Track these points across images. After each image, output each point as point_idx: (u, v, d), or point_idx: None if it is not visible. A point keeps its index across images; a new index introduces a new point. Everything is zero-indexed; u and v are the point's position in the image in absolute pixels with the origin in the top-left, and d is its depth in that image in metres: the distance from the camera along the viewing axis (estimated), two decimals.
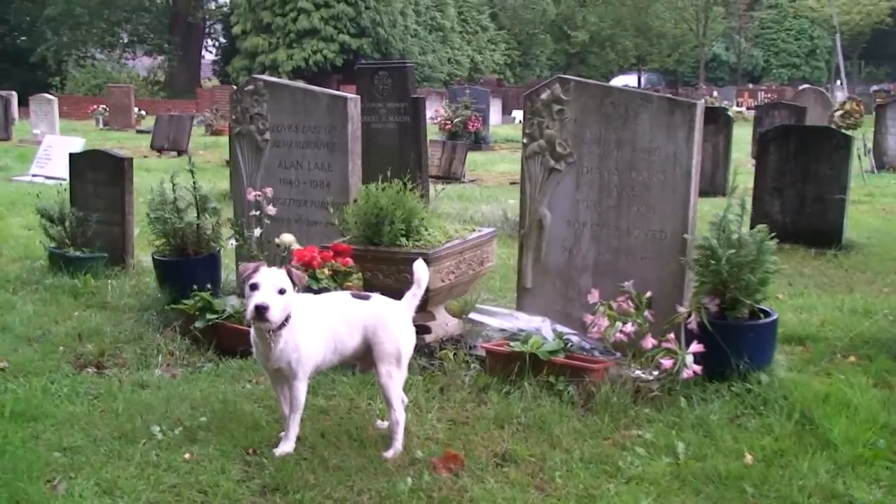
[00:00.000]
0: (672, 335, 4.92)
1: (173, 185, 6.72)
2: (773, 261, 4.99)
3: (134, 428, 4.51)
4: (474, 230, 6.14)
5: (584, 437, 4.45)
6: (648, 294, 5.08)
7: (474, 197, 13.36)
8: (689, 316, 5.02)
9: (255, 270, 4.04)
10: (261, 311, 3.92)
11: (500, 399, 4.90)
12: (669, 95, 5.50)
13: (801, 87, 32.55)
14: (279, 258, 6.04)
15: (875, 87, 45.73)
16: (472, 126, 21.45)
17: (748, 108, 33.48)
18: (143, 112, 30.32)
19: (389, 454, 4.20)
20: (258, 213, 6.28)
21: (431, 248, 5.65)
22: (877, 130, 17.16)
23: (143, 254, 8.14)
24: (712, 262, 4.93)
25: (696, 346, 4.81)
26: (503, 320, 5.71)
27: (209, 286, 6.48)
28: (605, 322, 5.00)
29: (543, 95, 5.70)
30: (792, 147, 9.51)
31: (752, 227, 5.15)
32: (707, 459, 4.15)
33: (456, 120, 21.28)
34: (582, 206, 5.67)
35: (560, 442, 4.36)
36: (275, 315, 3.96)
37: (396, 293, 5.49)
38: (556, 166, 5.71)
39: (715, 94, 40.75)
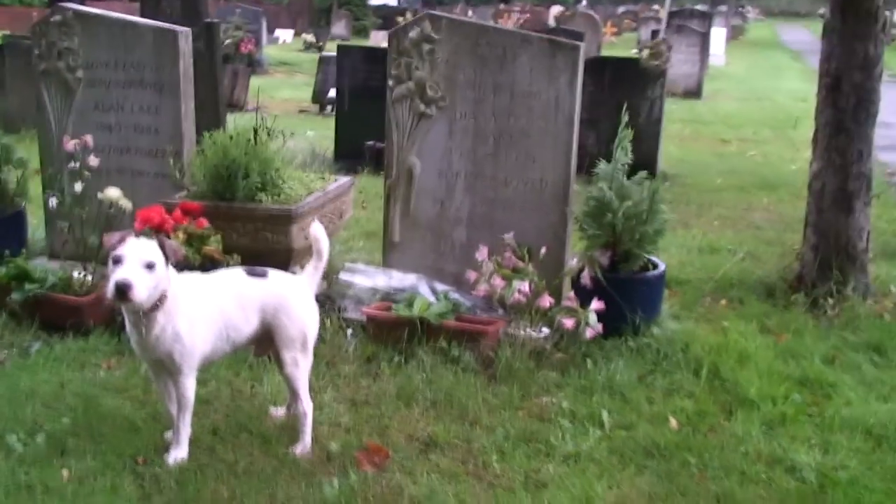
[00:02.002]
0: (573, 294, 4.70)
1: None
2: (663, 210, 4.88)
3: None
4: (333, 179, 5.63)
5: (498, 409, 4.17)
6: (543, 250, 4.83)
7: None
8: (581, 271, 4.83)
9: (121, 241, 3.36)
10: (122, 289, 3.24)
11: (393, 371, 4.53)
12: (551, 37, 5.18)
13: (566, 10, 33.32)
14: (103, 217, 5.30)
15: (623, 9, 47.68)
16: (245, 48, 20.31)
17: None
18: None
19: (299, 450, 3.73)
20: (76, 164, 5.44)
21: (294, 203, 5.11)
22: None
23: None
24: (608, 214, 4.74)
25: (597, 304, 4.62)
26: (375, 279, 5.29)
27: (18, 249, 5.62)
28: (500, 282, 4.70)
29: (412, 34, 5.23)
30: (606, 79, 9.54)
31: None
32: (634, 428, 3.99)
33: (227, 42, 20.04)
34: (455, 155, 5.30)
35: (479, 419, 4.05)
36: (140, 294, 3.28)
37: (254, 254, 4.97)
38: (426, 111, 5.28)
39: (470, 13, 40.92)
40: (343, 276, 5.32)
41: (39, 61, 5.90)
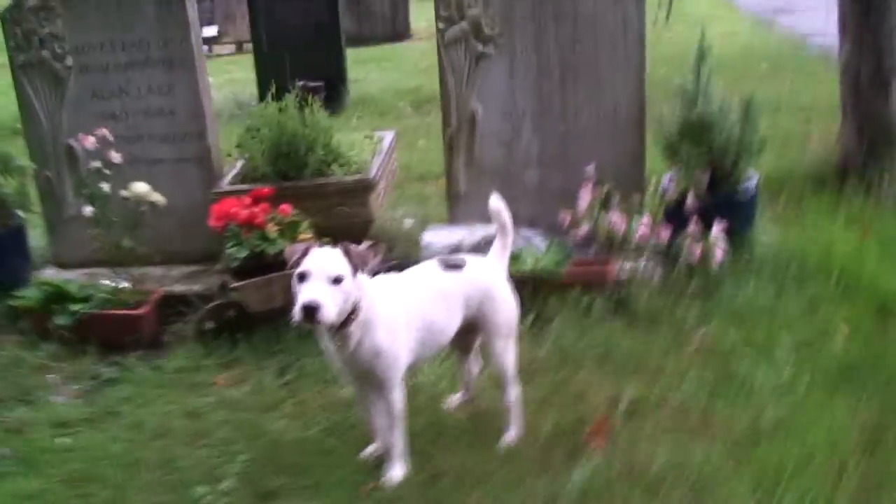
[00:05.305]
0: (695, 220, 4.57)
1: None
2: (757, 121, 4.80)
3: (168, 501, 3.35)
4: (379, 138, 5.26)
5: (666, 353, 4.05)
6: (653, 181, 4.67)
7: None
8: (685, 196, 4.70)
9: (304, 254, 2.99)
10: (310, 311, 2.87)
11: (532, 331, 4.32)
12: None
13: None
14: (135, 216, 4.82)
15: None
16: None
17: None
18: None
19: (513, 436, 3.51)
20: (100, 163, 4.86)
21: (367, 170, 4.74)
22: None
23: None
24: (710, 135, 4.61)
25: (720, 225, 4.52)
26: (458, 235, 5.00)
27: (25, 264, 5.21)
28: (621, 219, 4.53)
29: None
30: None
31: None
32: (814, 346, 3.96)
33: None
34: (519, 94, 5.01)
35: (656, 368, 3.92)
36: (329, 314, 2.90)
37: (330, 231, 4.62)
38: (484, 51, 4.95)
39: None
40: (429, 237, 4.99)
41: (17, 53, 5.18)
